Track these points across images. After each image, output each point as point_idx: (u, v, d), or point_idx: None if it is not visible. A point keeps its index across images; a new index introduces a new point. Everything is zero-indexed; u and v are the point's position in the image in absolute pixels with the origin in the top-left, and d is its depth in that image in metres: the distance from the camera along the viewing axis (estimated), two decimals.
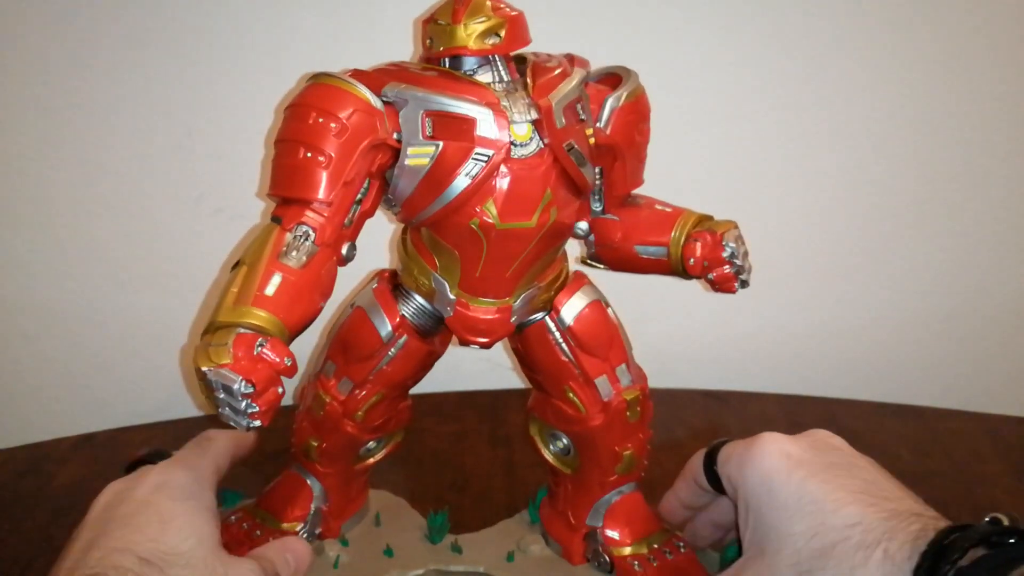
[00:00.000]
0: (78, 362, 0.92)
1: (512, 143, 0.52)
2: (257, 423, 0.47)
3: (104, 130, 0.84)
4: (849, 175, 0.92)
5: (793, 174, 0.91)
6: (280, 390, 0.47)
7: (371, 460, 0.66)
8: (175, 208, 0.87)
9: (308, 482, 0.64)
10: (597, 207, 0.61)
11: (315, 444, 0.62)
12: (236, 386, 0.45)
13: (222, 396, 0.46)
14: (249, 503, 0.67)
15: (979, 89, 0.89)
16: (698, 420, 0.90)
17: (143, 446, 0.86)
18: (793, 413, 0.91)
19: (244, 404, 0.46)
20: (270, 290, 0.49)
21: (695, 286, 0.81)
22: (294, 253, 0.50)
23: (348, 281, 0.63)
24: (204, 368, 0.46)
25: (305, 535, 0.64)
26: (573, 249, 0.62)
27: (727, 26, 0.85)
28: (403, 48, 0.81)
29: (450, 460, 0.81)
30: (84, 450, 0.85)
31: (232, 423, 0.47)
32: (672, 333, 0.95)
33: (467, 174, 0.52)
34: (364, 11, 0.82)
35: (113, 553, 0.45)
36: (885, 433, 0.88)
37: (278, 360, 0.47)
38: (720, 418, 0.91)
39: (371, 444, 0.64)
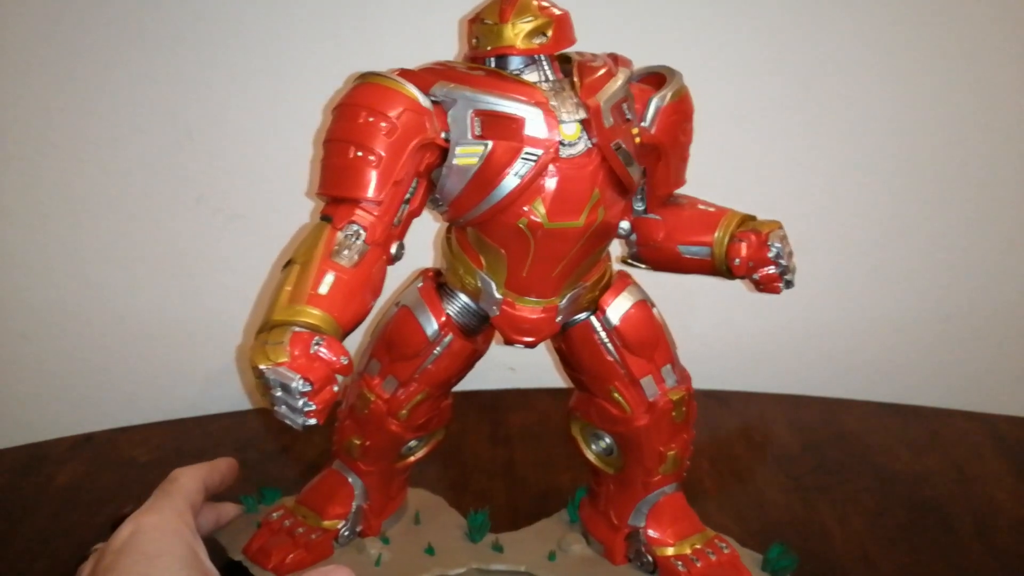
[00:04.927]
0: (78, 362, 0.92)
1: (560, 143, 0.52)
2: (313, 421, 0.47)
3: (104, 130, 0.84)
4: (850, 177, 0.91)
5: (793, 175, 0.91)
6: (335, 388, 0.47)
7: (412, 458, 0.66)
8: (175, 208, 0.88)
9: (349, 480, 0.65)
10: (639, 207, 0.62)
11: (358, 443, 0.62)
12: (294, 384, 0.45)
13: (279, 394, 0.46)
14: (289, 500, 0.67)
15: (980, 91, 0.89)
16: (698, 420, 0.90)
17: (142, 446, 0.88)
18: (793, 413, 0.91)
19: (301, 402, 0.46)
20: (323, 289, 0.49)
21: (694, 287, 0.81)
22: (346, 252, 0.50)
23: (390, 280, 0.63)
24: (262, 366, 0.46)
25: (347, 532, 0.64)
26: (615, 249, 0.62)
27: (728, 25, 0.85)
28: (403, 48, 0.81)
29: (450, 460, 0.81)
30: (84, 450, 0.86)
31: (288, 421, 0.47)
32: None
33: (516, 174, 0.52)
34: (363, 12, 0.82)
35: None
36: (885, 433, 0.88)
37: (335, 359, 0.47)
38: (720, 418, 0.91)
39: (412, 442, 0.65)
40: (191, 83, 0.83)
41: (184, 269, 0.90)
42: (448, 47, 0.81)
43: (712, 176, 0.88)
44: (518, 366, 0.98)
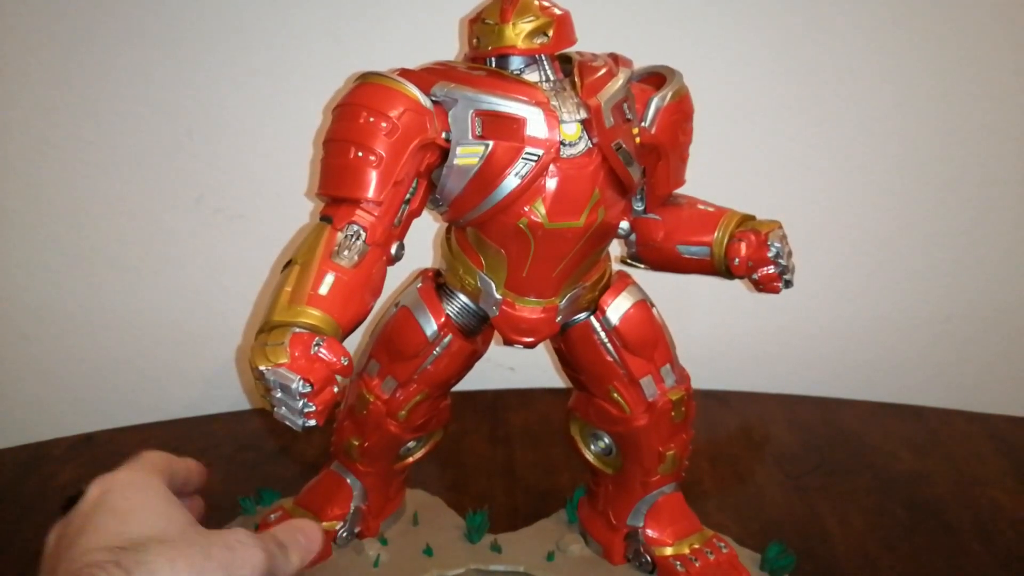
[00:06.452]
0: (78, 362, 0.92)
1: (561, 143, 0.52)
2: (312, 423, 0.47)
3: (104, 130, 0.84)
4: (850, 177, 0.91)
5: (793, 175, 0.91)
6: (335, 389, 0.47)
7: (410, 459, 0.66)
8: (175, 208, 0.87)
9: (348, 481, 0.65)
10: (639, 207, 0.62)
11: (356, 443, 0.62)
12: (294, 385, 0.45)
13: (279, 395, 0.46)
14: (287, 501, 0.67)
15: (981, 92, 0.89)
16: (698, 420, 0.90)
17: (142, 446, 0.86)
18: (793, 413, 0.91)
19: (301, 404, 0.46)
20: (324, 289, 0.49)
21: (693, 287, 0.81)
22: (346, 252, 0.50)
23: (390, 280, 0.64)
24: (262, 367, 0.46)
25: (345, 534, 0.64)
26: (614, 249, 0.62)
27: (728, 25, 0.85)
28: (404, 48, 0.81)
29: (450, 460, 0.81)
30: (84, 450, 0.85)
31: (288, 423, 0.47)
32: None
33: (517, 174, 0.52)
34: (362, 13, 0.82)
35: (82, 557, 0.41)
36: (885, 433, 0.88)
37: (335, 360, 0.46)
38: (720, 418, 0.91)
39: (411, 443, 0.65)
40: (191, 83, 0.83)
41: (184, 269, 0.90)
42: (448, 47, 0.81)
43: (712, 176, 0.89)
44: (518, 366, 0.98)
